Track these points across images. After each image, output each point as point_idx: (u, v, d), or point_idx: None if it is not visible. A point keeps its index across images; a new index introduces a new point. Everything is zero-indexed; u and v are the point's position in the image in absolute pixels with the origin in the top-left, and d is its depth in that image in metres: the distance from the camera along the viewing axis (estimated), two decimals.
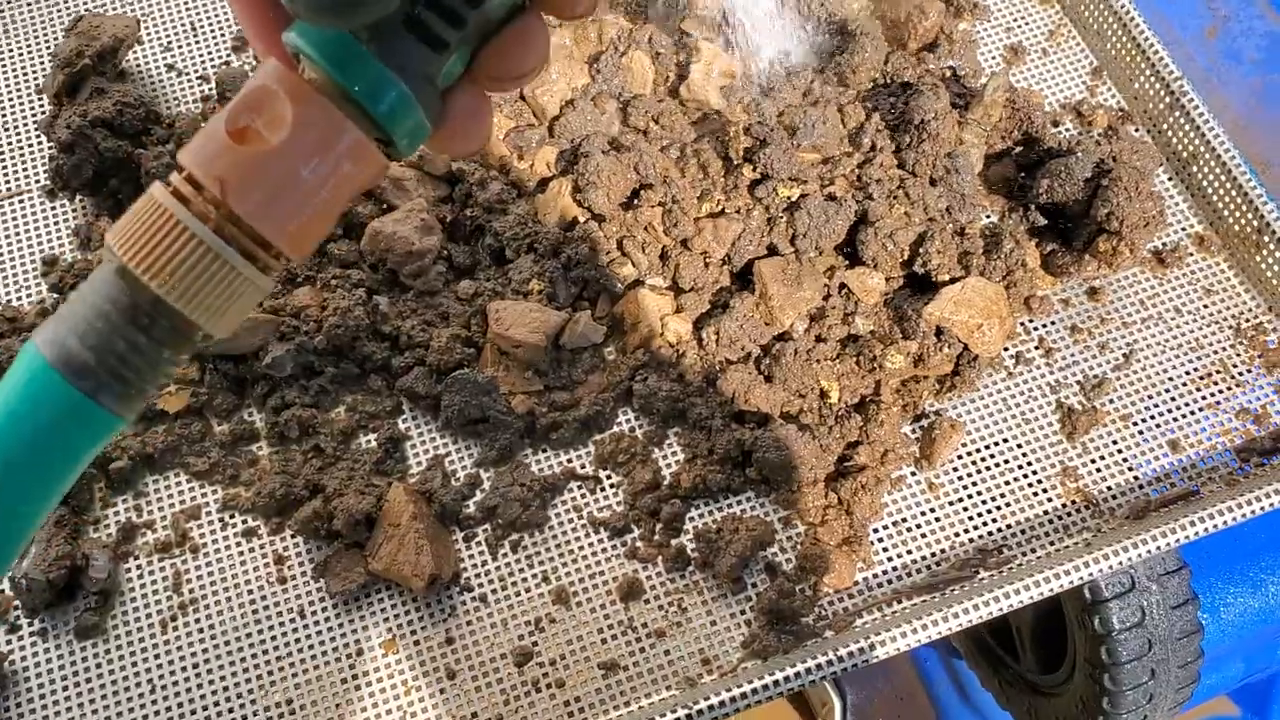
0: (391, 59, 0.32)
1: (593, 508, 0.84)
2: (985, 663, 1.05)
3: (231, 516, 0.83)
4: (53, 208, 0.94)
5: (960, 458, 0.86)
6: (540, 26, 0.35)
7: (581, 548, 0.82)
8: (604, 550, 0.82)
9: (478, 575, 0.81)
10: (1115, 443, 0.87)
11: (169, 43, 1.03)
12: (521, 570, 0.81)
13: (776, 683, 0.73)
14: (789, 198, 0.89)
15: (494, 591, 0.81)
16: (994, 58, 1.04)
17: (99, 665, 0.77)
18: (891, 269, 0.88)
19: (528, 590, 0.81)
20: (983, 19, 1.06)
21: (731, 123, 0.92)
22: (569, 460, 0.86)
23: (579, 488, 0.85)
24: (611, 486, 0.85)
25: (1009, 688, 1.02)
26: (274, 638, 0.78)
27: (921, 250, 0.87)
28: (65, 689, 0.77)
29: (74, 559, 0.79)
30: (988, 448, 0.86)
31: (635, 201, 0.90)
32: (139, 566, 0.81)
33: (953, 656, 1.16)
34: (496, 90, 0.36)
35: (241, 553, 0.81)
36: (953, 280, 0.87)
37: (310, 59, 0.33)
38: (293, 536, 0.82)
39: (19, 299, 0.90)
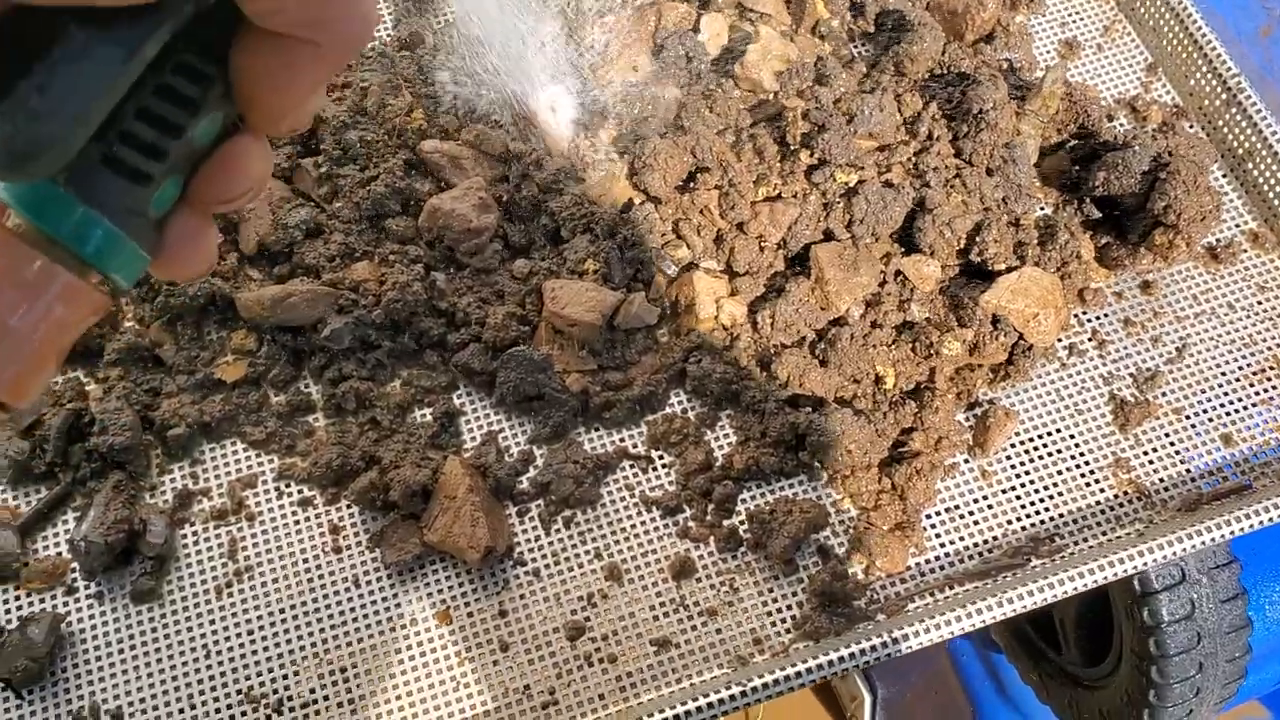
0: (93, 198, 0.31)
1: (645, 487, 0.84)
2: (1026, 656, 1.05)
3: (287, 486, 0.83)
4: None
5: (1013, 446, 0.86)
6: (252, 148, 0.33)
7: (634, 525, 0.83)
8: (656, 529, 0.83)
9: (531, 550, 0.81)
10: (1167, 435, 0.87)
11: None
12: (574, 546, 0.82)
13: (831, 663, 0.73)
14: (846, 183, 0.89)
15: (547, 566, 0.81)
16: (1048, 52, 1.04)
17: (154, 629, 0.78)
18: (948, 257, 0.88)
19: (580, 566, 0.81)
20: (1038, 12, 1.06)
21: (789, 108, 0.92)
22: (621, 440, 0.86)
23: (631, 467, 0.85)
24: (664, 466, 0.85)
25: (1050, 681, 1.02)
26: (328, 606, 0.79)
27: (978, 239, 0.87)
28: (121, 651, 0.77)
29: (132, 524, 0.79)
30: (1040, 437, 0.86)
31: (692, 184, 0.90)
32: (195, 533, 0.81)
33: (989, 650, 1.16)
34: (215, 212, 0.35)
35: (297, 522, 0.82)
36: (1009, 270, 0.87)
37: (11, 207, 0.31)
38: (348, 507, 0.82)
39: None
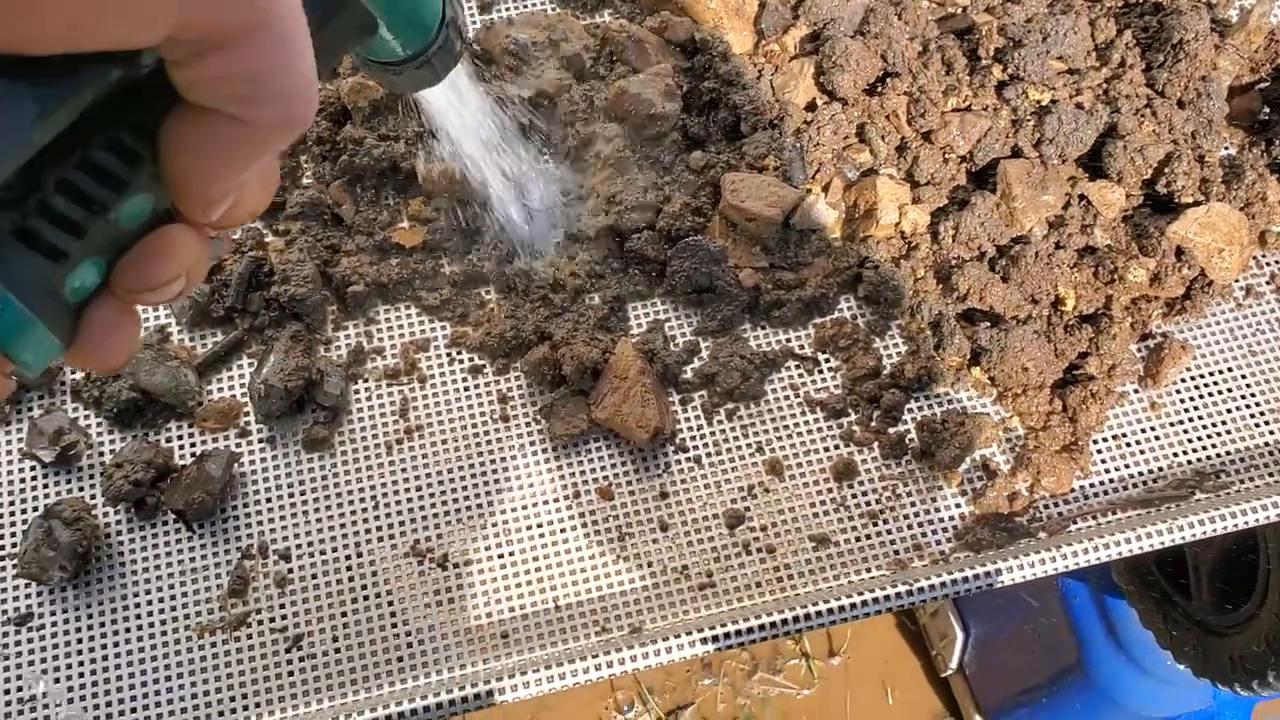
0: (3, 273, 0.29)
1: (810, 388, 0.84)
2: (1149, 600, 1.05)
3: (459, 353, 0.84)
4: None
5: (1183, 381, 0.85)
6: (182, 236, 0.31)
7: (797, 424, 0.83)
8: (819, 429, 0.83)
9: (693, 438, 0.82)
10: None
11: None
12: (736, 438, 0.82)
13: (997, 572, 0.73)
14: (1038, 101, 0.87)
15: (708, 455, 0.82)
16: None
17: (325, 477, 0.80)
18: (1133, 185, 0.87)
19: (741, 458, 0.82)
20: None
21: (980, 23, 0.91)
22: (787, 339, 0.86)
23: (797, 367, 0.85)
24: (829, 370, 0.85)
25: (1175, 625, 1.02)
26: (495, 471, 0.80)
27: (1167, 170, 0.85)
28: (291, 495, 0.79)
29: (310, 373, 0.81)
30: (1211, 374, 0.85)
31: (880, 89, 0.89)
32: (368, 389, 0.83)
33: (1105, 593, 1.16)
34: (139, 303, 0.32)
35: (467, 388, 0.83)
36: (1195, 204, 0.86)
37: None
38: (517, 378, 0.83)
39: None
